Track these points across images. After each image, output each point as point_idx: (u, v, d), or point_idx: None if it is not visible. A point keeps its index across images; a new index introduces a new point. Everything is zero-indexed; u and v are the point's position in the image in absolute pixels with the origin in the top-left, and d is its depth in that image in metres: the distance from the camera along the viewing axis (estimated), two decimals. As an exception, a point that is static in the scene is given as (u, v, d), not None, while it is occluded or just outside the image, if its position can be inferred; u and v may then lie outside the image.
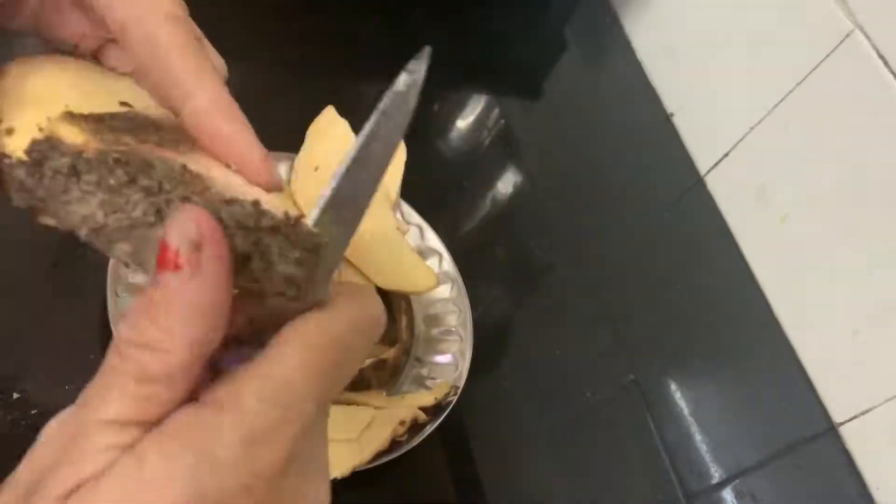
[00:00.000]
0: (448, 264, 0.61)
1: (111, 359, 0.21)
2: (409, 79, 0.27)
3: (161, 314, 0.21)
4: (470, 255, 0.67)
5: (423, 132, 0.74)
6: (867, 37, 0.58)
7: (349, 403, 0.51)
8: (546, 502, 0.57)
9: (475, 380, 0.61)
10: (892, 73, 0.56)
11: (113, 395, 0.21)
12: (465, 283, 0.65)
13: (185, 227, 0.21)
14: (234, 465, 0.20)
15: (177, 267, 0.20)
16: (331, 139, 0.62)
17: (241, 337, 0.23)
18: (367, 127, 0.25)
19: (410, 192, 0.68)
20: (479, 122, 0.78)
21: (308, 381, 0.21)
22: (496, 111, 0.79)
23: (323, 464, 0.23)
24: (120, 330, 0.21)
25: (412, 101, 0.26)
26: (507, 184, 0.74)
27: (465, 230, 0.69)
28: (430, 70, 0.71)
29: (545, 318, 0.67)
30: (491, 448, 0.57)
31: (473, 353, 0.62)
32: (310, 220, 0.23)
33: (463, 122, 0.78)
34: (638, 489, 0.60)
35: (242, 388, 0.21)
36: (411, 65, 0.27)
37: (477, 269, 0.67)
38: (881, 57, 0.57)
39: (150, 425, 0.21)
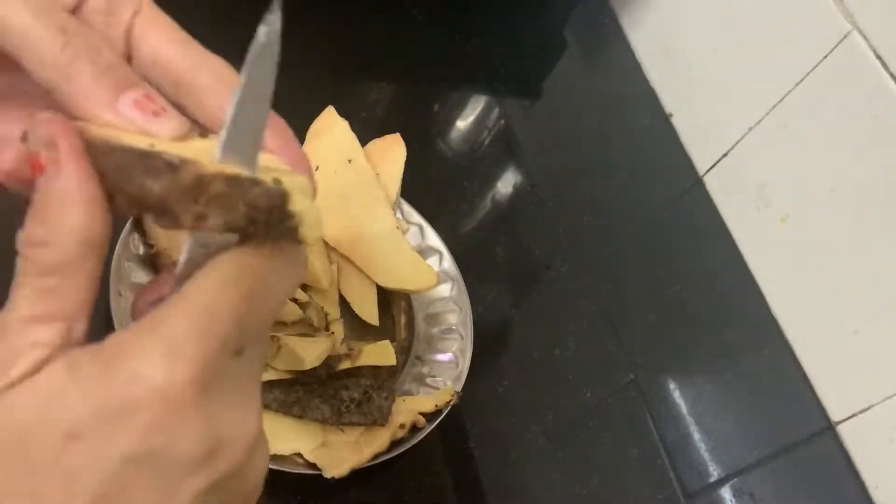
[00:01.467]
0: (448, 263, 0.62)
1: (17, 266, 0.23)
2: (268, 29, 0.26)
3: (42, 214, 0.23)
4: (470, 255, 0.68)
5: (423, 132, 0.75)
6: (865, 37, 0.58)
7: None
8: (546, 502, 0.57)
9: (475, 380, 0.61)
10: (890, 73, 0.56)
11: (22, 293, 0.23)
12: (465, 283, 0.65)
13: (37, 132, 0.23)
14: (155, 376, 0.22)
15: (41, 169, 0.23)
16: (331, 139, 0.62)
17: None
18: (241, 79, 0.26)
19: (410, 191, 0.68)
20: (479, 122, 0.78)
21: (224, 304, 0.23)
22: (496, 111, 0.79)
23: (251, 396, 0.25)
24: (17, 243, 0.23)
25: (276, 49, 0.27)
26: (507, 184, 0.74)
27: (465, 230, 0.70)
28: (431, 70, 0.72)
29: (545, 318, 0.67)
30: (491, 448, 0.57)
31: (473, 353, 0.62)
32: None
33: (463, 122, 0.78)
34: (637, 488, 0.60)
35: (164, 311, 0.23)
36: (267, 17, 0.26)
37: (477, 269, 0.67)
38: (879, 57, 0.57)
39: (68, 320, 0.23)
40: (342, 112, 0.66)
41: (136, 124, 0.25)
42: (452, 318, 0.59)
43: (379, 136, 0.72)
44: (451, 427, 0.55)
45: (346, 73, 0.75)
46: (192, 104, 0.27)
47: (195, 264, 0.24)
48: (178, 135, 0.26)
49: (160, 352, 0.22)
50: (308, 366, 0.47)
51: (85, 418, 0.22)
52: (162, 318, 0.23)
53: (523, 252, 0.70)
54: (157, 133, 0.25)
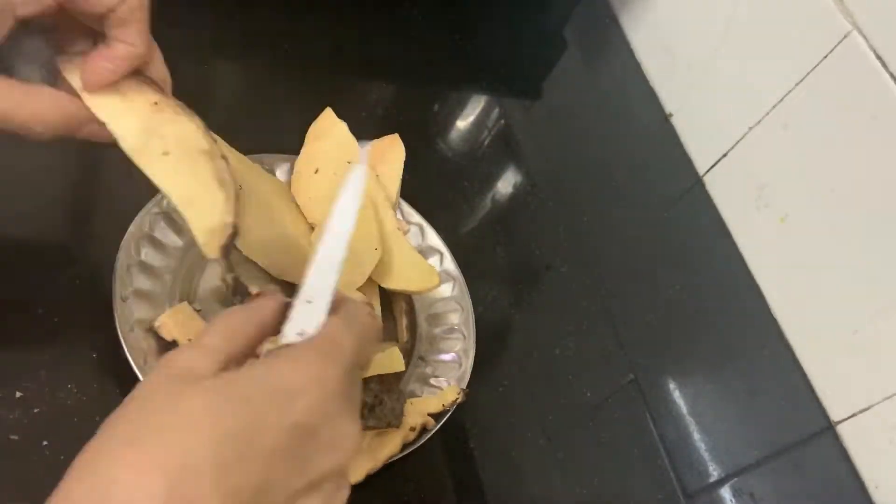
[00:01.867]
0: (449, 263, 0.62)
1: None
2: (348, 201, 0.37)
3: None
4: (470, 255, 0.68)
5: (423, 132, 0.75)
6: (865, 37, 0.58)
7: None
8: (546, 502, 0.57)
9: (475, 380, 0.61)
10: (890, 73, 0.56)
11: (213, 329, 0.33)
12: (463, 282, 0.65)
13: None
14: (312, 368, 0.31)
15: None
16: (330, 141, 0.62)
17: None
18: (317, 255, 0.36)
19: (411, 191, 0.68)
20: (479, 122, 0.78)
21: (347, 336, 0.33)
22: (496, 111, 0.79)
23: (356, 411, 0.33)
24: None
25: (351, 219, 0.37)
26: (507, 184, 0.74)
27: (465, 230, 0.70)
28: (431, 70, 0.71)
29: (545, 317, 0.67)
30: (491, 448, 0.57)
31: (474, 354, 0.62)
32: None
33: (463, 122, 0.78)
34: (637, 488, 0.60)
35: (313, 338, 0.33)
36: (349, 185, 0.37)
37: (477, 269, 0.67)
38: (879, 57, 0.57)
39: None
40: (342, 112, 0.66)
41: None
42: (454, 318, 0.59)
43: (379, 137, 0.72)
44: (452, 427, 0.55)
45: (346, 73, 0.75)
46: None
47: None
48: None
49: (313, 354, 0.31)
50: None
51: (258, 391, 0.29)
52: (312, 340, 0.32)
53: (523, 252, 0.70)
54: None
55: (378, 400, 0.49)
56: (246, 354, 0.33)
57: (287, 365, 0.31)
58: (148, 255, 0.51)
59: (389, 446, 0.49)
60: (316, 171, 0.62)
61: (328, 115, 0.63)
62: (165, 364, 0.31)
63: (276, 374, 0.30)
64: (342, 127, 0.63)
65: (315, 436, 0.30)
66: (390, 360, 0.53)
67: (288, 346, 0.32)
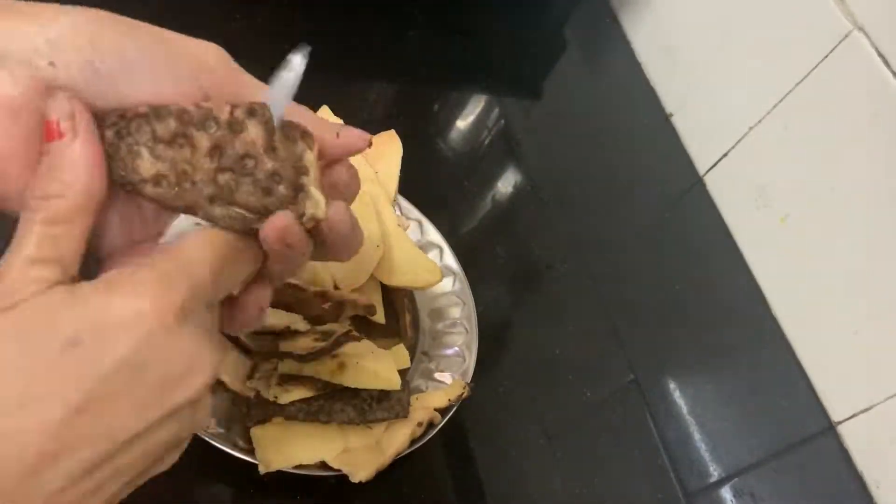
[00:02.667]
0: (449, 257, 0.62)
1: (23, 215, 0.27)
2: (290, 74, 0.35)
3: (55, 171, 0.28)
4: (470, 255, 0.67)
5: (423, 132, 0.74)
6: (867, 36, 0.58)
7: None
8: (546, 502, 0.57)
9: (476, 380, 0.61)
10: (892, 72, 0.56)
11: (30, 239, 0.27)
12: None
13: (61, 105, 0.28)
14: (147, 299, 0.27)
15: (61, 135, 0.28)
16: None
17: None
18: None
19: (411, 191, 0.68)
20: (480, 122, 0.78)
21: (207, 260, 0.29)
22: (496, 111, 0.79)
23: (215, 343, 0.29)
24: (26, 192, 0.28)
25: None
26: (507, 183, 0.74)
27: (465, 229, 0.70)
28: (431, 69, 0.71)
29: (545, 317, 0.67)
30: (491, 448, 0.57)
31: (476, 347, 0.62)
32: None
33: (463, 122, 0.78)
34: (638, 488, 0.60)
35: (158, 255, 0.28)
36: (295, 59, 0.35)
37: (477, 269, 0.67)
38: (881, 56, 0.57)
39: (65, 265, 0.27)
40: (342, 111, 0.66)
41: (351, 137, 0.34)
42: (456, 312, 0.59)
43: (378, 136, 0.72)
44: (452, 427, 0.55)
45: (346, 72, 0.75)
46: None
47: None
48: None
49: (153, 280, 0.27)
50: (397, 385, 0.49)
51: (85, 327, 0.26)
52: (155, 259, 0.28)
53: (524, 252, 0.70)
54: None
55: (384, 392, 0.49)
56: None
57: (116, 292, 0.27)
58: None
59: (397, 442, 0.49)
60: None
61: (324, 112, 0.63)
62: None
63: (100, 303, 0.26)
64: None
65: (154, 372, 0.27)
66: (396, 355, 0.53)
67: (132, 260, 0.29)
